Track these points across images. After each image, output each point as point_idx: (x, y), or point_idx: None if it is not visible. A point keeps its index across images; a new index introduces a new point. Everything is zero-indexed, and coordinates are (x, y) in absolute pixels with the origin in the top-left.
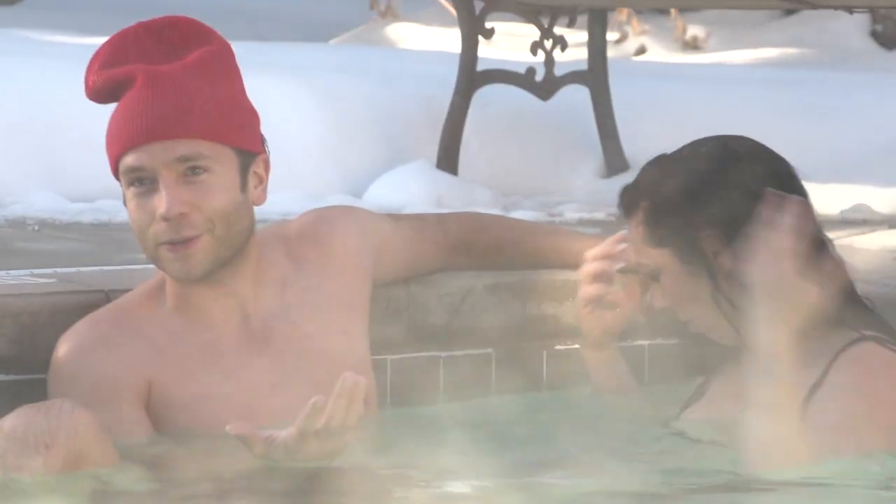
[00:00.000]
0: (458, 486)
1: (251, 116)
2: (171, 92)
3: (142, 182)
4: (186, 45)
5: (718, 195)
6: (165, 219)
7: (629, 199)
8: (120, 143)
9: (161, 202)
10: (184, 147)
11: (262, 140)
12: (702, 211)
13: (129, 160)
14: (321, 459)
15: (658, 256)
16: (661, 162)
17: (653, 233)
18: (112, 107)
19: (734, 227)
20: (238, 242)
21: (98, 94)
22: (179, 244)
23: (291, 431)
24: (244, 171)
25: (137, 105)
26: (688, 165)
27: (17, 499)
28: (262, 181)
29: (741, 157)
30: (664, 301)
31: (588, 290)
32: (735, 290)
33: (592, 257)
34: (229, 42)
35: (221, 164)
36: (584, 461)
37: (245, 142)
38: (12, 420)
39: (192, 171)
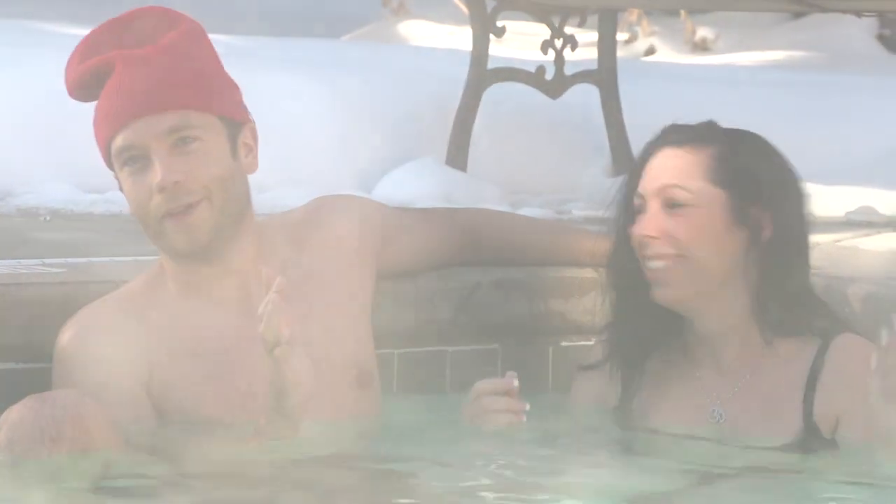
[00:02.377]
0: (454, 484)
1: (232, 87)
2: (151, 70)
3: (135, 160)
4: (157, 31)
5: (784, 183)
6: (161, 189)
7: (708, 132)
8: (107, 127)
9: (156, 174)
10: (171, 118)
11: (245, 110)
12: (771, 186)
13: (120, 141)
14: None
15: (709, 192)
16: (739, 130)
17: (720, 171)
18: None
19: (782, 214)
20: (236, 210)
21: (79, 89)
22: (180, 214)
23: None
24: (233, 140)
25: (119, 87)
26: (767, 147)
27: (25, 482)
28: (251, 150)
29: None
30: (684, 234)
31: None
32: (766, 261)
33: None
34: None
35: (210, 133)
36: (577, 462)
37: (229, 110)
38: (19, 410)
39: (182, 141)
